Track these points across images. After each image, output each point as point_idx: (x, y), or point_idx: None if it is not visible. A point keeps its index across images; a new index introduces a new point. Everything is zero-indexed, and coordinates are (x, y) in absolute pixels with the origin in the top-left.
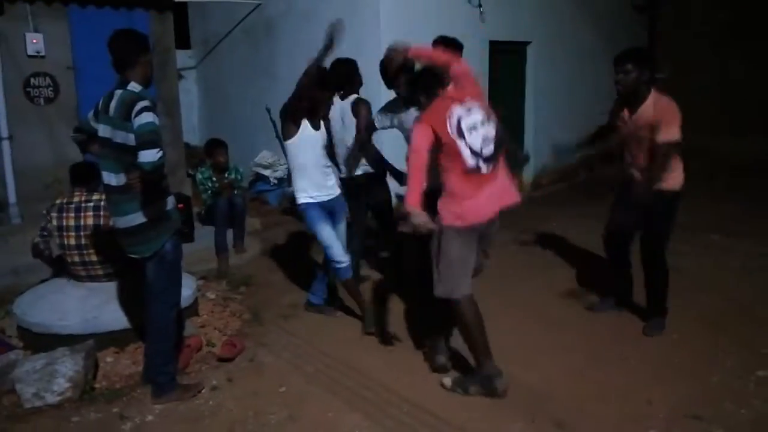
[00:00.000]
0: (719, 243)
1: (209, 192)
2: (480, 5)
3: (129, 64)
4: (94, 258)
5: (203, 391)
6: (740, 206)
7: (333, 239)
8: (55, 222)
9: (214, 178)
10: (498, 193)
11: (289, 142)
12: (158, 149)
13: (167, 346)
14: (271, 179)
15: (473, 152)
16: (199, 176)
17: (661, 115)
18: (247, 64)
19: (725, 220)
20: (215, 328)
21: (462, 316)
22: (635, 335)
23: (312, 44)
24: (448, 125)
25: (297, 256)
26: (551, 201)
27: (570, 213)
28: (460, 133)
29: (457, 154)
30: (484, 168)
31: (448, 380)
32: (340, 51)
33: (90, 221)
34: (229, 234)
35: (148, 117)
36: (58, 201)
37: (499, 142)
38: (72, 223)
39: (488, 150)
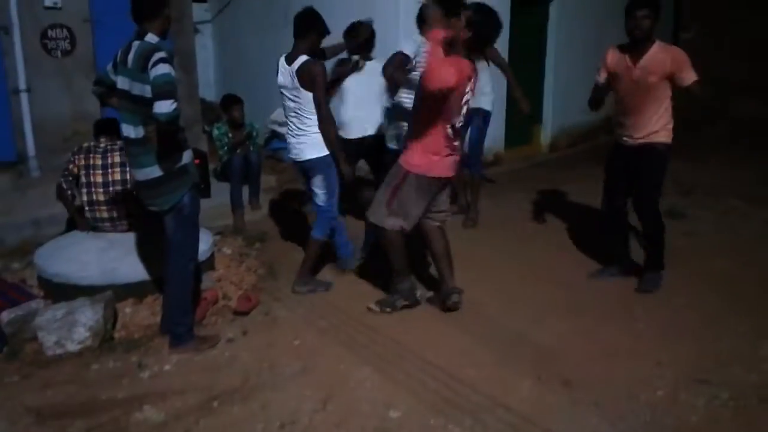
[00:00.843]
0: (739, 208)
1: (225, 148)
2: None
3: (149, 15)
4: (121, 212)
5: (219, 342)
6: (761, 172)
7: None
8: (82, 161)
9: (230, 134)
10: (453, 164)
11: None
12: (173, 101)
13: (185, 298)
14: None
15: (456, 122)
16: (215, 132)
17: (678, 59)
18: (264, 18)
19: (745, 186)
20: (231, 282)
21: (390, 242)
22: (646, 297)
23: (328, 2)
24: (469, 86)
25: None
26: (568, 163)
27: (586, 175)
28: (463, 103)
29: (449, 116)
30: (453, 139)
31: (373, 305)
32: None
33: (117, 176)
34: (245, 190)
35: (164, 68)
36: (84, 144)
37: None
38: (99, 170)
39: (459, 123)
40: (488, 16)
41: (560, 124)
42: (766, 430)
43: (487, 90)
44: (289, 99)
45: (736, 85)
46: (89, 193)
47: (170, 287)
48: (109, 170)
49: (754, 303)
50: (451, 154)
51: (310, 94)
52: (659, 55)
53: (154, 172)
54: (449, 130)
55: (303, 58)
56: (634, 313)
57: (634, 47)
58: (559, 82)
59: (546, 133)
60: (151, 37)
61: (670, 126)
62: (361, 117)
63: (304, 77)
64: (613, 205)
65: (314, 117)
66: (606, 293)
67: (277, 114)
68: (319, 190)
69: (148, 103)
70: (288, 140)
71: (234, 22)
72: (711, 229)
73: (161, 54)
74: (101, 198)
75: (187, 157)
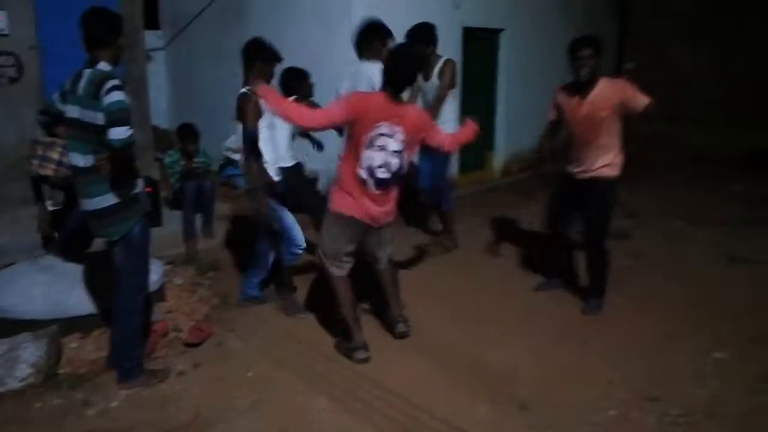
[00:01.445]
0: (681, 229)
1: (177, 176)
2: None
3: (103, 44)
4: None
5: (170, 376)
6: (702, 195)
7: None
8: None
9: (183, 162)
10: (378, 215)
11: None
12: (128, 127)
13: (134, 331)
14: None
15: (368, 166)
16: (167, 159)
17: (625, 89)
18: (218, 47)
19: (687, 208)
20: (182, 313)
21: (334, 290)
22: (597, 318)
23: (283, 28)
24: (372, 128)
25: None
26: (519, 188)
27: (537, 199)
28: (371, 143)
29: (358, 155)
30: (372, 187)
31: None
32: (312, 34)
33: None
34: (198, 219)
35: (118, 95)
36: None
37: (398, 179)
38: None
39: (382, 174)
40: (399, 56)
41: (512, 150)
42: None
43: (446, 118)
44: None
45: (676, 114)
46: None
47: (118, 320)
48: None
49: (698, 321)
50: (366, 199)
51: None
52: (606, 90)
53: (105, 201)
54: (360, 173)
55: (241, 90)
56: (585, 335)
57: (580, 84)
58: (511, 110)
59: (498, 159)
60: (104, 65)
61: (618, 160)
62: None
63: (237, 109)
64: (556, 231)
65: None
66: (558, 316)
67: (232, 141)
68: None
69: (100, 130)
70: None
71: (188, 50)
72: (656, 249)
73: (115, 81)
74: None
75: (139, 185)
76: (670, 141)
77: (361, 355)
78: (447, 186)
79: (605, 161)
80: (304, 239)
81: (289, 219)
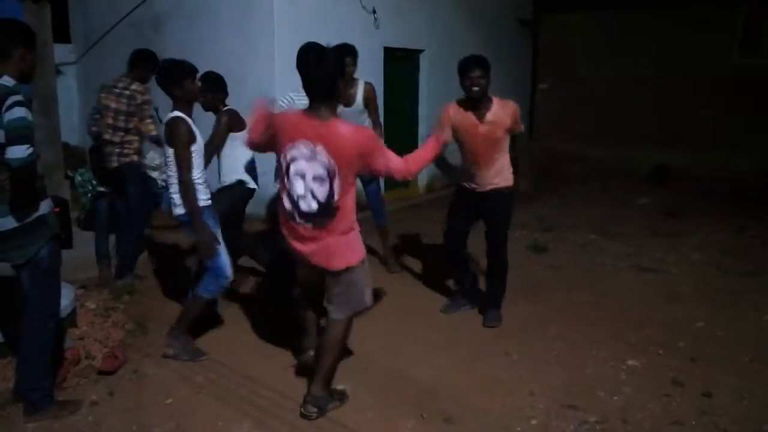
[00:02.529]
0: (594, 242)
1: (89, 195)
2: (374, 12)
3: (3, 55)
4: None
5: (82, 407)
6: (611, 209)
7: None
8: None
9: (95, 181)
10: (312, 252)
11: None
12: (28, 146)
13: (43, 360)
14: (159, 181)
15: (290, 195)
16: (78, 179)
17: (515, 114)
18: None
19: (599, 221)
20: (96, 339)
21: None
22: (516, 330)
23: (201, 42)
24: (287, 147)
25: (184, 261)
26: (443, 203)
27: None
28: (288, 168)
29: (283, 182)
30: (298, 219)
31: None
32: (233, 49)
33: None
34: (112, 240)
35: (19, 112)
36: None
37: (329, 212)
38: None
39: (306, 207)
40: (306, 58)
41: (435, 167)
42: None
43: None
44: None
45: (585, 132)
46: None
47: (26, 348)
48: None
49: (612, 330)
50: (295, 234)
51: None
52: (500, 112)
53: (7, 223)
54: (285, 203)
55: (170, 114)
56: (507, 347)
57: (476, 104)
58: (432, 128)
59: (422, 176)
60: (7, 80)
61: (511, 173)
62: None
63: (167, 134)
64: (454, 244)
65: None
66: (478, 329)
67: (150, 158)
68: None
69: (1, 148)
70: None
71: (100, 64)
72: (571, 261)
73: (17, 97)
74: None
75: (45, 206)
76: (580, 158)
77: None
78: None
79: (502, 174)
80: (231, 270)
81: (222, 245)
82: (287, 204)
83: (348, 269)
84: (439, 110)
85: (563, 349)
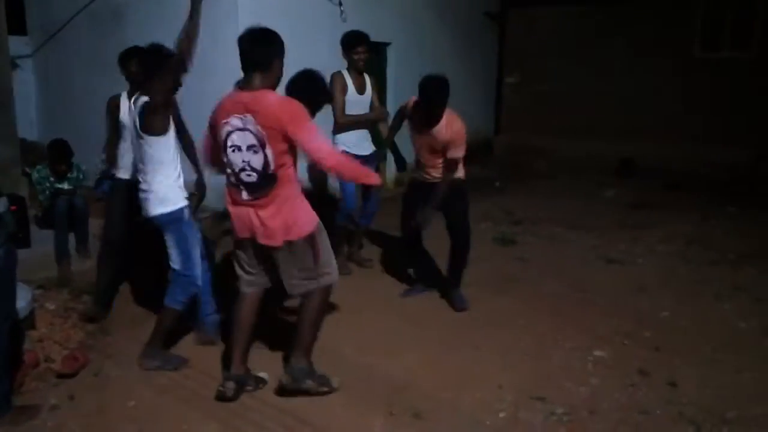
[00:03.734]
0: (561, 235)
1: (47, 192)
2: (341, 4)
3: None
4: None
5: (42, 411)
6: (578, 203)
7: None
8: None
9: (53, 178)
10: (258, 225)
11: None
12: None
13: None
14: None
15: (232, 170)
16: (35, 175)
17: (454, 137)
18: (94, 54)
19: (566, 215)
20: (55, 341)
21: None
22: (484, 323)
23: (164, 35)
24: (222, 125)
25: (146, 259)
26: None
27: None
28: (224, 146)
29: (224, 161)
30: (244, 193)
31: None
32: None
33: None
34: (72, 238)
35: None
36: None
37: (269, 180)
38: None
39: (247, 177)
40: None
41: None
42: None
43: (363, 134)
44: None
45: (553, 126)
46: None
47: None
48: None
49: (579, 321)
50: (243, 207)
51: (154, 139)
52: (443, 129)
53: None
54: (231, 179)
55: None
56: (475, 340)
57: (431, 116)
58: None
59: (391, 170)
60: None
61: (462, 169)
62: None
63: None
64: (410, 233)
65: (161, 166)
66: (448, 323)
67: None
68: (172, 250)
69: None
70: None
71: (59, 57)
72: (539, 253)
73: None
74: None
75: (0, 205)
76: (547, 152)
77: (223, 387)
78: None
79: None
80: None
81: (197, 252)
82: (232, 179)
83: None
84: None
85: (531, 340)
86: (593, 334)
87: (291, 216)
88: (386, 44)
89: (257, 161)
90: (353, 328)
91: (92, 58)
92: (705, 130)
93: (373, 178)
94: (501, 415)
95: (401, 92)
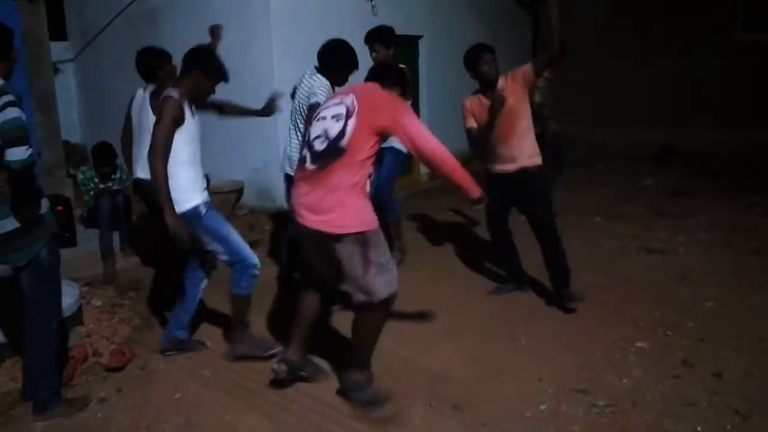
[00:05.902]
0: (600, 225)
1: (92, 193)
2: None
3: None
4: None
5: (91, 404)
6: (616, 191)
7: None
8: None
9: (97, 179)
10: (310, 204)
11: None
12: (27, 146)
13: (48, 359)
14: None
15: (306, 140)
16: (80, 176)
17: (517, 69)
18: (131, 56)
19: (604, 204)
20: (102, 336)
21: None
22: (525, 316)
23: (199, 38)
24: (322, 108)
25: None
26: (447, 191)
27: (463, 201)
28: (314, 120)
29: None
30: (309, 163)
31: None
32: (231, 41)
33: None
34: (116, 236)
35: (13, 112)
36: None
37: (337, 152)
38: None
39: (318, 145)
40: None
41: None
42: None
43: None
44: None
45: (588, 113)
46: None
47: (30, 349)
48: None
49: (620, 312)
50: (300, 184)
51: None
52: (504, 83)
53: (7, 225)
54: (303, 152)
55: (169, 92)
56: (515, 332)
57: (486, 87)
58: (433, 115)
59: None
60: None
61: (538, 150)
62: None
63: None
64: (497, 229)
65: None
66: (487, 316)
67: None
68: (210, 246)
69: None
70: None
71: (98, 61)
72: (578, 244)
73: (9, 97)
74: None
75: (43, 206)
76: (583, 140)
77: (276, 367)
78: (390, 195)
79: (528, 152)
80: (256, 255)
81: (236, 236)
82: (303, 151)
83: (349, 236)
84: (438, 95)
85: (572, 332)
86: (635, 325)
87: (342, 202)
88: (418, 37)
89: (334, 129)
90: (391, 320)
91: (129, 61)
92: (745, 114)
93: (471, 187)
94: (542, 407)
95: (433, 86)
